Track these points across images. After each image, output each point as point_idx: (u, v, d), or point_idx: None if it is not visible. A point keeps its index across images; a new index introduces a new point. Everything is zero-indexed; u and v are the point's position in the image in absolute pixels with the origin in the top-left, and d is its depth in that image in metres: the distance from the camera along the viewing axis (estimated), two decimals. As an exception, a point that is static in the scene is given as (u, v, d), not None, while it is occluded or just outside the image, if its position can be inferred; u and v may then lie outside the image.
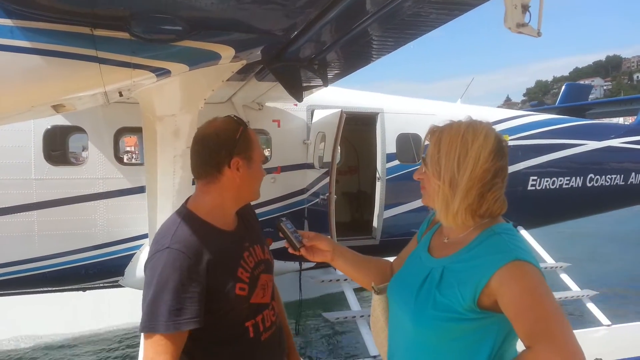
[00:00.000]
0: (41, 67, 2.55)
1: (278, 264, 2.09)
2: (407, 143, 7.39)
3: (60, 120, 5.55)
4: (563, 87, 21.29)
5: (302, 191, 6.64)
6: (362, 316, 5.94)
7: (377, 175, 7.32)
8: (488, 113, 8.53)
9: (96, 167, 5.69)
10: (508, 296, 1.31)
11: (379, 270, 1.83)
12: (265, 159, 1.95)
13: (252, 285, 1.79)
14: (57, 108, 3.05)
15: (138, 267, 5.94)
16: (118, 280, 6.32)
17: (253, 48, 3.04)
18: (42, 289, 6.06)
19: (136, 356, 5.58)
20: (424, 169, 1.56)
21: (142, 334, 1.63)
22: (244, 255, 1.81)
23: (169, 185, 4.29)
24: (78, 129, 5.75)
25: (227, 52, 2.92)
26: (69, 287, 6.17)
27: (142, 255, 5.98)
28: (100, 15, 2.61)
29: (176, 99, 3.33)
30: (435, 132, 1.53)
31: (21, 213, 5.38)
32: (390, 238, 7.49)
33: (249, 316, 1.78)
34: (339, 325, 7.57)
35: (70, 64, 2.60)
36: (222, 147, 1.77)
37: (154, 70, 2.82)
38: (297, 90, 3.89)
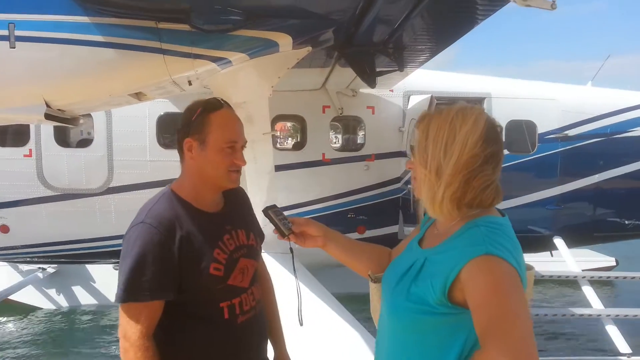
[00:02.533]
0: (113, 59, 2.80)
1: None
2: (520, 131, 6.77)
3: (171, 107, 6.11)
4: None
5: (396, 180, 6.46)
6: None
7: None
8: (625, 97, 7.41)
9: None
10: (471, 290, 1.24)
11: (375, 257, 1.76)
12: (234, 146, 1.72)
13: (229, 267, 1.80)
14: (139, 96, 3.34)
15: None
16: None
17: (311, 34, 3.00)
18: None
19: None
20: (412, 158, 1.48)
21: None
22: (223, 237, 1.83)
23: (253, 169, 4.48)
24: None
25: (283, 39, 2.93)
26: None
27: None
28: (164, 9, 2.79)
29: (244, 88, 3.44)
30: (425, 119, 1.44)
31: (138, 191, 6.05)
32: (496, 234, 6.97)
33: (224, 297, 1.79)
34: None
35: (138, 56, 2.82)
36: (182, 126, 1.83)
37: (214, 60, 2.93)
38: (369, 76, 3.76)
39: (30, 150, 6.00)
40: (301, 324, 1.87)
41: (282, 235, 1.71)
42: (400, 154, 6.36)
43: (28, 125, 5.92)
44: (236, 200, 1.98)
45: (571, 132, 6.78)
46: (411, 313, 1.34)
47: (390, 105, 6.39)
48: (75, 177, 6.11)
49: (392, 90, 6.29)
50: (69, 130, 6.13)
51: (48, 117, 2.92)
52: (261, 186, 4.66)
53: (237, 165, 1.84)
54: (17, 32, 2.71)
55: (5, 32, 2.69)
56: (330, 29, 3.04)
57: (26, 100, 2.81)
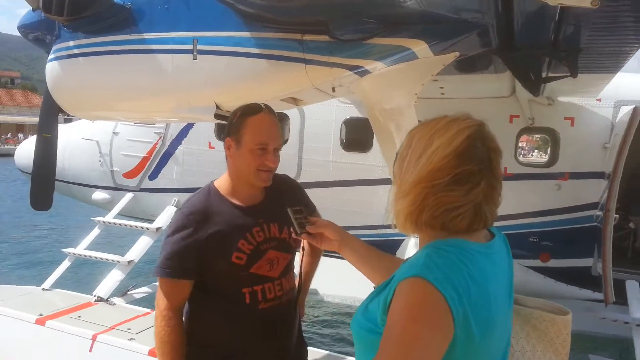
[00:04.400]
0: (266, 69, 3.18)
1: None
2: None
3: (355, 112, 6.46)
4: None
5: (594, 205, 5.52)
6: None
7: None
8: None
9: (378, 155, 6.33)
10: (389, 310, 1.14)
11: (391, 269, 1.62)
12: (265, 148, 1.97)
13: (254, 257, 1.94)
14: (295, 102, 3.71)
15: (406, 253, 6.31)
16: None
17: (449, 39, 2.85)
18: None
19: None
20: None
21: None
22: (252, 229, 1.97)
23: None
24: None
25: (418, 45, 2.87)
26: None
27: (411, 242, 6.32)
28: (308, 22, 3.04)
29: (385, 94, 3.45)
30: (416, 127, 1.32)
31: (319, 188, 6.56)
32: None
33: (246, 283, 1.94)
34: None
35: (285, 65, 3.14)
36: (226, 127, 2.03)
37: (350, 67, 3.06)
38: (533, 83, 3.33)
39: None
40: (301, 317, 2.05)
41: (295, 233, 1.76)
42: (602, 175, 5.41)
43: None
44: (279, 195, 2.08)
45: None
46: (360, 329, 1.27)
47: (595, 116, 5.48)
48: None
49: (599, 100, 5.40)
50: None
51: (217, 116, 3.48)
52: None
53: (267, 166, 1.97)
54: (199, 47, 3.32)
55: (190, 47, 3.32)
56: (471, 32, 2.84)
57: (201, 103, 3.41)
